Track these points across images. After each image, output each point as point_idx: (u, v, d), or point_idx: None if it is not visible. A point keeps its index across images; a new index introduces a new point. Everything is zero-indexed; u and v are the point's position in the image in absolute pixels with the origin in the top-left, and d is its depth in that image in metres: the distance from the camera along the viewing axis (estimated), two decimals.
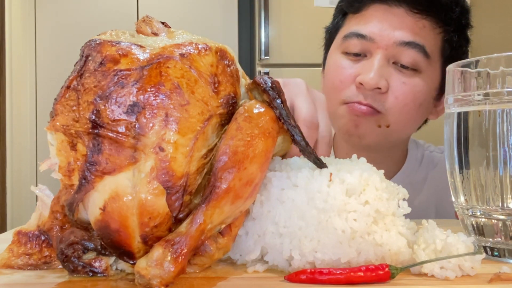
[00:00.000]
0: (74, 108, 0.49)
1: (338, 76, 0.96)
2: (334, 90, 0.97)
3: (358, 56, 0.96)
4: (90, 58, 0.49)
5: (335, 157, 1.07)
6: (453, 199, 0.62)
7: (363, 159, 0.58)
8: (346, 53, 0.97)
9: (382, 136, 0.94)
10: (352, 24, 0.98)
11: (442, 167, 1.09)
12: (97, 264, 0.50)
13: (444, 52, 0.97)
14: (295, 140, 0.53)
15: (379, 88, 0.90)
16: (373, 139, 0.95)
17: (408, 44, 0.91)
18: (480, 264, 0.51)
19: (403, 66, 0.92)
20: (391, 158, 1.07)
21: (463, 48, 1.00)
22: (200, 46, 0.51)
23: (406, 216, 0.55)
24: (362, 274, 0.48)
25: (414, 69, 0.93)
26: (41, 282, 0.49)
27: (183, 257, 0.47)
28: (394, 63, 0.93)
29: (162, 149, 0.47)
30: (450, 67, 0.62)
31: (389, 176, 1.06)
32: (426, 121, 1.08)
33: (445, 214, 1.05)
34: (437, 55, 0.96)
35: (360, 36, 0.94)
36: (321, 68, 1.12)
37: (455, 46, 0.97)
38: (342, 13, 1.03)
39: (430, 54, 0.93)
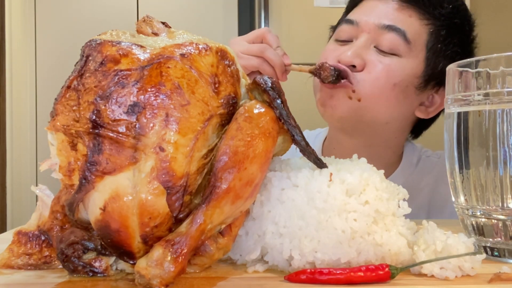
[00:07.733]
0: (75, 108, 0.49)
1: (323, 57, 1.01)
2: None
3: (347, 42, 1.00)
4: (90, 58, 0.49)
5: (321, 151, 1.10)
6: (453, 199, 0.62)
7: (363, 159, 0.58)
8: (337, 40, 1.02)
9: (353, 110, 0.97)
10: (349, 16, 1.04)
11: (438, 172, 1.08)
12: (97, 264, 0.50)
13: (429, 43, 0.98)
14: (295, 140, 0.53)
15: (354, 66, 0.95)
16: (344, 110, 0.97)
17: (389, 27, 0.95)
18: (480, 264, 0.51)
19: (383, 51, 0.96)
20: (381, 158, 1.05)
21: (455, 48, 1.00)
22: (200, 46, 0.51)
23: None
24: (362, 274, 0.48)
25: (393, 54, 0.96)
26: (41, 282, 0.49)
27: (183, 257, 0.47)
28: (375, 47, 0.97)
29: (162, 149, 0.47)
30: (450, 67, 0.62)
31: None
32: (422, 124, 1.08)
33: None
34: (421, 45, 0.98)
35: (349, 21, 1.00)
36: None
37: (442, 40, 0.99)
38: (347, 11, 1.08)
39: (411, 40, 0.96)
